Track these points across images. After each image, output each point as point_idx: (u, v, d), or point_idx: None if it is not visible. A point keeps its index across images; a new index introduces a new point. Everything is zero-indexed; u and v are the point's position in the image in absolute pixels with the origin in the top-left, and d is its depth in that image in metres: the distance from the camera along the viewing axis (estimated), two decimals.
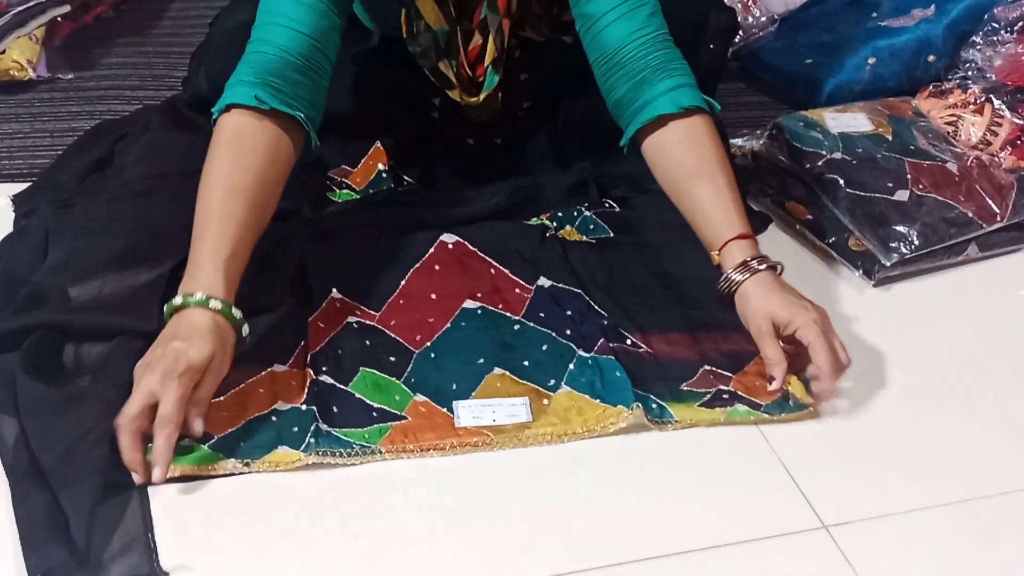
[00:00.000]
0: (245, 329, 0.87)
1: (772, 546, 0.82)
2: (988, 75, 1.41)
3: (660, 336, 1.00)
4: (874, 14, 1.47)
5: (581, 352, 0.96)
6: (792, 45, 1.49)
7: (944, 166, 1.22)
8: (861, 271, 1.14)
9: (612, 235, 1.14)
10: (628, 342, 0.99)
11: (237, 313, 0.85)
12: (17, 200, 1.11)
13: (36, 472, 0.77)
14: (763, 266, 0.93)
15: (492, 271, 1.06)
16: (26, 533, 0.74)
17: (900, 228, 1.13)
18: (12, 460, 0.79)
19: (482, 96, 1.09)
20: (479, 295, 1.03)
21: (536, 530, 0.81)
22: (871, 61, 1.42)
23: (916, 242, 1.13)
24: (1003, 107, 1.35)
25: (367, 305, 1.01)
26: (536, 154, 1.25)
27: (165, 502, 0.80)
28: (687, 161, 0.98)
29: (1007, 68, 1.40)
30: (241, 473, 0.83)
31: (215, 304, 0.83)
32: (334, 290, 1.00)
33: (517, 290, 1.04)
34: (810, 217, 1.21)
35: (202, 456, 0.83)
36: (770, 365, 0.91)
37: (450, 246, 1.08)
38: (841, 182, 1.18)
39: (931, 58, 1.44)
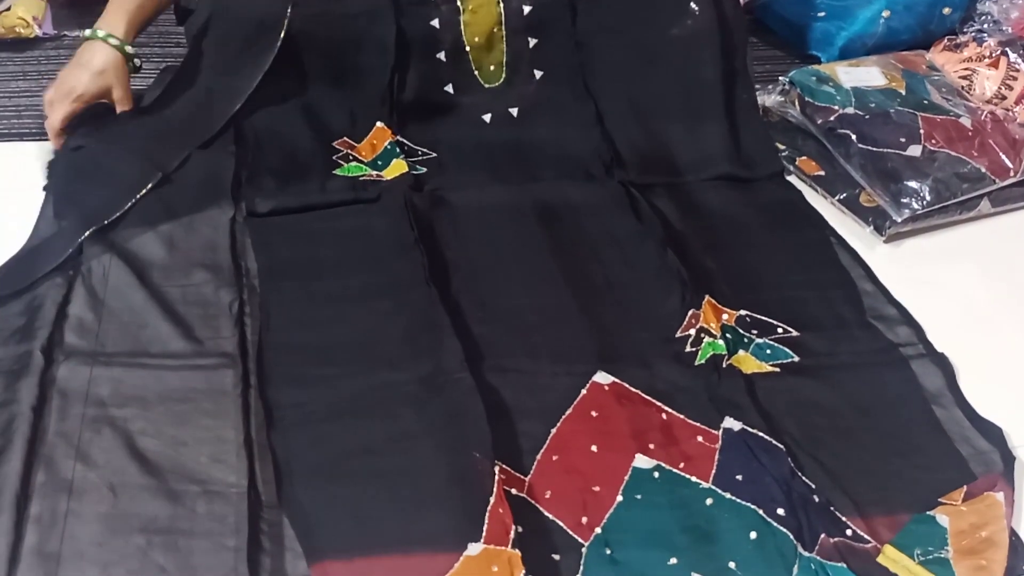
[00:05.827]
0: (137, 61, 1.10)
1: None
2: (1004, 28, 1.39)
3: (885, 519, 0.79)
4: None
5: (803, 551, 0.75)
6: None
7: (957, 121, 1.21)
8: (872, 227, 1.13)
9: (797, 359, 0.93)
10: (849, 532, 0.78)
11: (131, 49, 1.08)
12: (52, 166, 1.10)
13: None
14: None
15: (664, 416, 0.86)
16: None
17: (912, 183, 1.12)
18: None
19: None
20: (651, 447, 0.82)
21: None
22: (885, 14, 1.40)
23: (928, 197, 1.12)
24: (1019, 60, 1.33)
25: (511, 464, 0.80)
26: (562, 126, 1.19)
27: None
28: None
29: None
30: None
31: (114, 41, 1.07)
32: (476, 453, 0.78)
33: (700, 438, 0.84)
34: (821, 173, 1.20)
35: None
36: None
37: (606, 387, 0.88)
38: (853, 137, 1.17)
39: (946, 11, 1.41)
